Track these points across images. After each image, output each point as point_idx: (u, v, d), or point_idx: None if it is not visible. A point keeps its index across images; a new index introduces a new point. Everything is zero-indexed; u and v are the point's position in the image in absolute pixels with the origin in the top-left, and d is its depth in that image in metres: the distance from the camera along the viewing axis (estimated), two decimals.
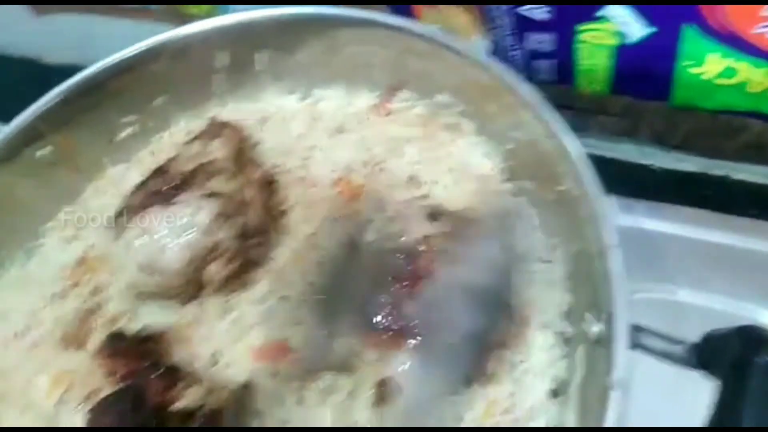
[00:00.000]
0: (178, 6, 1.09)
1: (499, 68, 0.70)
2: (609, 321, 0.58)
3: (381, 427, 0.61)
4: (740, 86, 0.85)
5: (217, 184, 0.74)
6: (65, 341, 0.76)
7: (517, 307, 0.68)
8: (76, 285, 0.79)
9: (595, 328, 0.61)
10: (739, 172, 0.93)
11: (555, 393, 0.65)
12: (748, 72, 0.83)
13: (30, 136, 0.82)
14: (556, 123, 0.66)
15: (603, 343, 0.60)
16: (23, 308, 0.79)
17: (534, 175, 0.72)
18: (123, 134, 0.88)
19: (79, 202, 0.87)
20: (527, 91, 0.68)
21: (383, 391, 0.62)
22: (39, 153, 0.83)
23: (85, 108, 0.85)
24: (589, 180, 0.62)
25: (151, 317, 0.75)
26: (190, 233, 0.71)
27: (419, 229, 0.69)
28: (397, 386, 0.62)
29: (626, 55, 0.88)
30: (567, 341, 0.67)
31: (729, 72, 0.84)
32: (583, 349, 0.64)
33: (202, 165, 0.76)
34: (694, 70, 0.86)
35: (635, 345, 0.58)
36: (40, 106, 0.82)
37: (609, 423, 0.54)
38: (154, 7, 1.11)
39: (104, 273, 0.79)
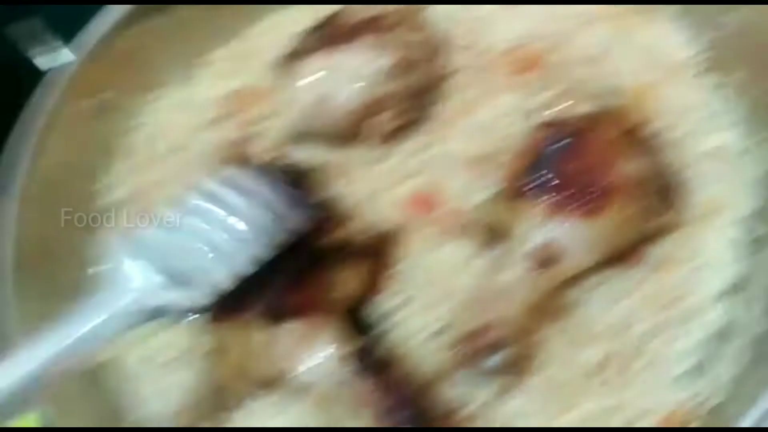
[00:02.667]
0: None
1: None
2: None
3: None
4: None
5: (394, 36, 0.68)
6: (221, 161, 0.73)
7: (701, 200, 0.60)
8: (229, 115, 0.76)
9: None
10: None
11: (731, 291, 0.57)
12: None
13: None
14: None
15: None
16: (181, 128, 0.76)
17: (746, 64, 0.62)
18: None
19: (242, 37, 0.82)
20: None
21: (545, 254, 0.56)
22: None
23: None
24: None
25: (305, 155, 0.71)
26: (364, 81, 0.66)
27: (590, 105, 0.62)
28: (560, 249, 0.56)
29: None
30: (755, 241, 0.58)
31: None
32: None
33: (376, 18, 0.70)
34: None
35: None
36: None
37: None
38: None
39: (260, 108, 0.75)
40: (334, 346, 0.55)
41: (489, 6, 0.75)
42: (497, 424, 0.56)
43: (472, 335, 0.55)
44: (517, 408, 0.56)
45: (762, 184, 0.59)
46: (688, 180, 0.60)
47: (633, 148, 0.58)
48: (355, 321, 0.60)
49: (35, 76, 0.70)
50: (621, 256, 0.59)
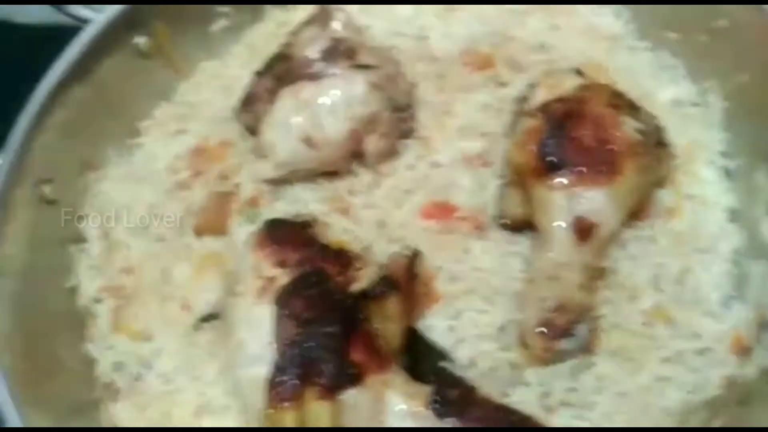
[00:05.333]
0: None
1: None
2: None
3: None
4: None
5: (363, 57, 0.66)
6: (200, 229, 0.66)
7: (680, 147, 0.65)
8: (198, 174, 0.68)
9: None
10: None
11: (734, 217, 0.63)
12: None
13: (132, 21, 0.69)
14: None
15: None
16: (140, 202, 0.67)
17: (678, 24, 0.69)
18: (217, 25, 0.76)
19: (175, 98, 0.75)
20: None
21: (583, 225, 0.57)
22: (137, 40, 0.70)
23: None
24: None
25: (297, 196, 0.66)
26: (345, 109, 0.63)
27: (571, 83, 0.64)
28: (594, 216, 0.57)
29: None
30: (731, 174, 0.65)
31: None
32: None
33: (330, 50, 0.67)
34: None
35: None
36: None
37: None
38: None
39: (230, 159, 0.68)
40: (405, 400, 0.51)
41: (424, 17, 0.76)
42: (583, 401, 0.56)
43: (549, 320, 0.54)
44: (596, 379, 0.57)
45: (723, 123, 0.66)
46: (667, 131, 0.65)
47: (623, 112, 0.61)
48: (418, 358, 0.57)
49: None
50: (635, 213, 0.62)
